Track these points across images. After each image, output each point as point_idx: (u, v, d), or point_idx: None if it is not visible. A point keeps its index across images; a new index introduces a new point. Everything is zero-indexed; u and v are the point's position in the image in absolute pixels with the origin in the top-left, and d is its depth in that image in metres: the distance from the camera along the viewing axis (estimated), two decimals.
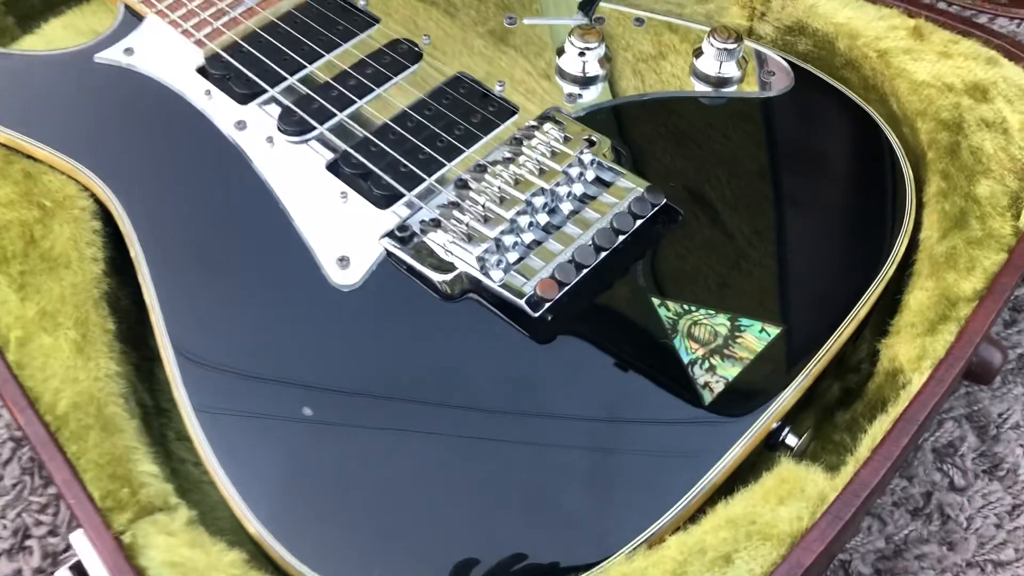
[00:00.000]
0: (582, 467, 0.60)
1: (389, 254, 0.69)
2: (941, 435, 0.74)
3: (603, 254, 0.68)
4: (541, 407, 0.62)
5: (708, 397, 0.62)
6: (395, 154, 0.73)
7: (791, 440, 0.65)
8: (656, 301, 0.67)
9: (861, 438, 0.61)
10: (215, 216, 0.72)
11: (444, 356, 0.64)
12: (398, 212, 0.71)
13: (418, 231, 0.69)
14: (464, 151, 0.74)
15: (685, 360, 0.64)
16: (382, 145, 0.74)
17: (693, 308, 0.66)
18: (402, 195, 0.71)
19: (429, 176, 0.72)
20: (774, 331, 0.65)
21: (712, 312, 0.66)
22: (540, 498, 0.59)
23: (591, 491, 0.59)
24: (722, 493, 0.60)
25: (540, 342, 0.65)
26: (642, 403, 0.62)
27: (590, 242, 0.68)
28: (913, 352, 0.64)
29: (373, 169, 0.72)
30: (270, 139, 0.75)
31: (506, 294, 0.65)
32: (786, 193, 0.74)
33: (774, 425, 0.64)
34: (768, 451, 0.66)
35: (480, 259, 0.66)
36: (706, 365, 0.64)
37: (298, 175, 0.73)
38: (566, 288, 0.66)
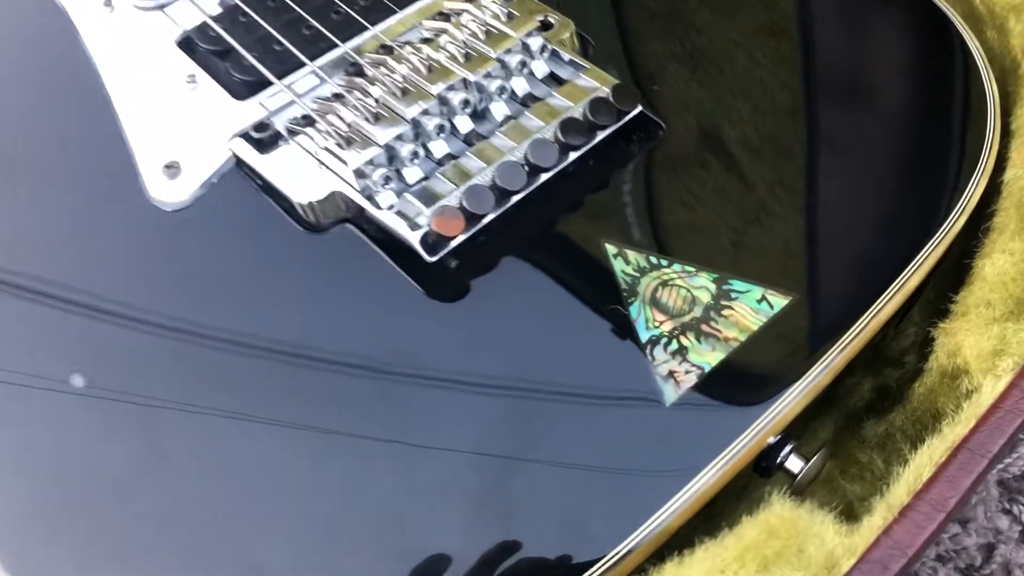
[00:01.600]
0: (467, 496, 0.39)
1: (239, 162, 0.48)
2: (1015, 462, 0.52)
3: (541, 178, 0.47)
4: (427, 399, 0.42)
5: (671, 395, 0.42)
6: (269, 27, 0.53)
7: (794, 464, 0.44)
8: (611, 249, 0.46)
9: (898, 469, 0.40)
10: (16, 99, 0.52)
11: (297, 313, 0.44)
12: (265, 104, 0.50)
13: (283, 132, 0.49)
14: (368, 28, 0.53)
15: (643, 337, 0.43)
16: (253, 15, 0.53)
17: (664, 262, 0.45)
18: (269, 82, 0.50)
19: (312, 59, 0.51)
20: (779, 302, 0.44)
21: (691, 269, 0.45)
22: (398, 531, 0.39)
23: (474, 535, 0.39)
24: (687, 540, 0.40)
25: (436, 300, 0.45)
26: (572, 401, 0.42)
27: (523, 160, 0.47)
28: (985, 344, 0.43)
29: (235, 46, 0.52)
30: (108, 1, 0.54)
31: (393, 227, 0.45)
32: (820, 114, 0.52)
33: (770, 441, 0.43)
34: (761, 477, 0.45)
35: (361, 173, 0.46)
36: (673, 346, 0.43)
37: (137, 52, 0.53)
38: (480, 223, 0.45)
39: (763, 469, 0.44)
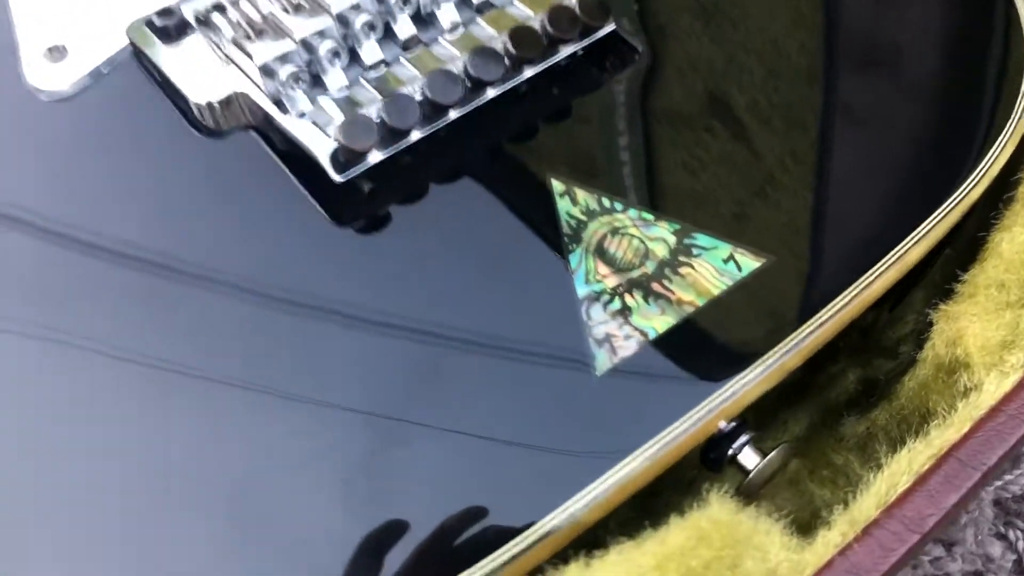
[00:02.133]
0: (347, 462, 0.33)
1: (136, 52, 0.41)
2: (1016, 480, 0.44)
3: (484, 95, 0.40)
4: (312, 340, 0.35)
5: (605, 362, 0.35)
6: None
7: (748, 458, 0.36)
8: (558, 186, 0.38)
9: (872, 475, 0.33)
10: None
11: (171, 226, 0.37)
12: None
13: (191, 20, 0.41)
14: None
15: (580, 292, 0.36)
16: None
17: (619, 206, 0.38)
18: None
19: None
20: (750, 264, 0.37)
21: (649, 217, 0.38)
22: (256, 499, 0.32)
23: (352, 510, 0.32)
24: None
25: (342, 227, 0.37)
26: (486, 360, 0.35)
27: (462, 71, 0.39)
28: (993, 334, 0.35)
29: None
30: None
31: (299, 137, 0.38)
32: (838, 73, 0.45)
33: (721, 427, 0.36)
34: (709, 470, 0.38)
35: (268, 71, 0.38)
36: (615, 305, 0.36)
37: None
38: (402, 141, 0.38)
39: (711, 461, 0.37)
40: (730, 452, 0.37)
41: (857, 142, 0.42)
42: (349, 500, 0.32)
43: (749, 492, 0.37)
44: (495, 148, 0.40)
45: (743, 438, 0.37)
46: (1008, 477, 0.44)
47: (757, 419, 0.41)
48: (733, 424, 0.37)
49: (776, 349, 0.35)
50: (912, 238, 0.37)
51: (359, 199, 0.38)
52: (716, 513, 0.32)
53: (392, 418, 0.33)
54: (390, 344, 0.35)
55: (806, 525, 0.34)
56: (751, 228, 0.38)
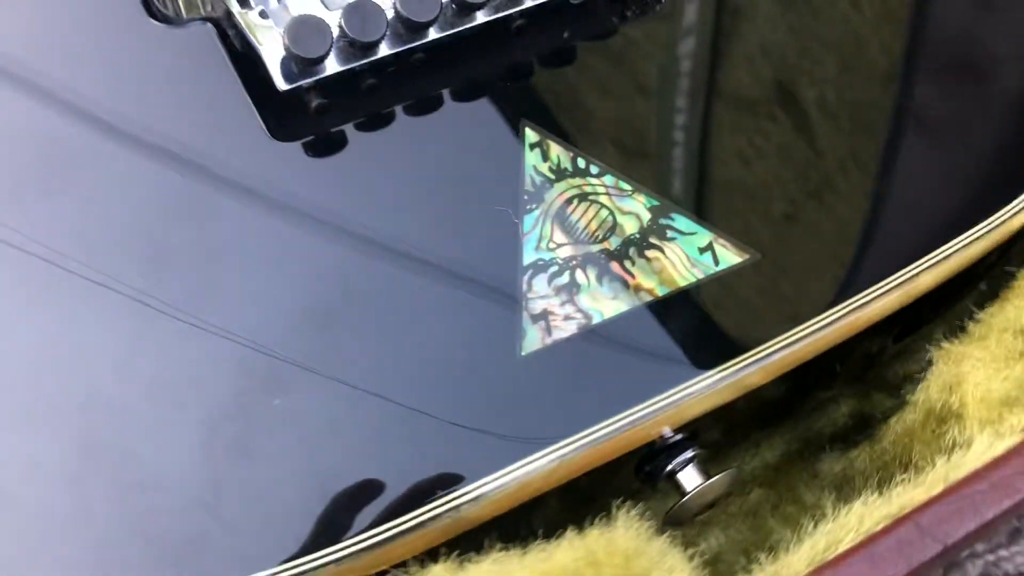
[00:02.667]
0: (225, 400, 0.29)
1: None
2: (1012, 557, 0.39)
3: (470, 19, 0.35)
4: (217, 262, 0.31)
5: (533, 341, 0.30)
6: None
7: (688, 478, 0.32)
8: (531, 135, 0.34)
9: (815, 523, 0.28)
10: None
11: (103, 110, 0.33)
12: None
13: None
14: None
15: (526, 258, 0.31)
16: None
17: (594, 170, 0.33)
18: None
19: None
20: (729, 259, 0.32)
21: (627, 188, 0.33)
22: (117, 439, 0.28)
23: (218, 461, 0.28)
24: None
25: (280, 141, 0.33)
26: (399, 317, 0.30)
27: None
28: (997, 386, 0.30)
29: None
30: None
31: (251, 35, 0.34)
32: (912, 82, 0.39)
33: (665, 437, 0.31)
34: (643, 484, 0.33)
35: None
36: (563, 280, 0.31)
37: None
38: (364, 58, 0.34)
39: (645, 474, 0.32)
40: (669, 467, 0.32)
41: (908, 151, 0.37)
42: (214, 441, 0.28)
43: (681, 517, 0.32)
44: (472, 82, 0.35)
45: (687, 454, 0.32)
46: (1003, 552, 0.38)
47: (726, 435, 0.36)
48: (679, 437, 0.32)
49: (736, 361, 0.30)
50: (920, 264, 0.32)
51: (304, 113, 0.34)
52: (618, 537, 0.27)
53: (279, 357, 0.29)
54: (298, 272, 0.31)
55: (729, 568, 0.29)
56: (744, 219, 0.33)
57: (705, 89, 0.37)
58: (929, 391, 0.32)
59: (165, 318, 0.30)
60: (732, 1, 0.41)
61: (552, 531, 0.29)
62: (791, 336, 0.31)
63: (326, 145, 0.33)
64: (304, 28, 0.32)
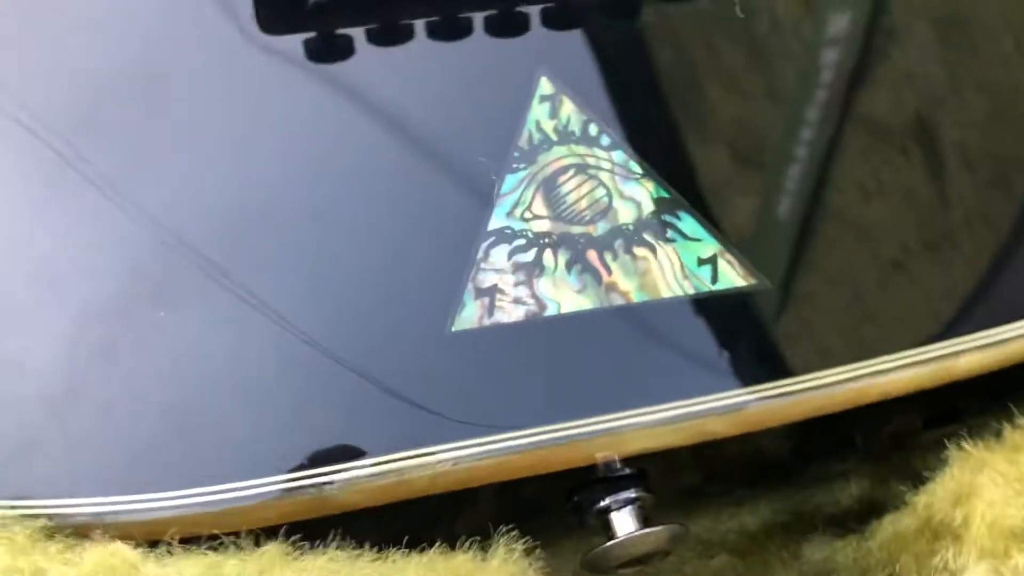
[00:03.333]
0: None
1: None
2: None
3: None
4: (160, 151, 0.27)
5: (470, 319, 0.26)
6: None
7: (622, 521, 0.26)
8: (545, 86, 0.29)
9: None
10: None
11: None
12: None
13: None
14: None
15: (491, 223, 0.27)
16: None
17: (606, 141, 0.28)
18: None
19: None
20: (732, 280, 0.26)
21: (637, 170, 0.28)
22: None
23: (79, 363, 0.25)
24: None
25: (265, 35, 0.29)
26: (334, 259, 0.26)
27: None
28: (1013, 513, 0.24)
29: None
30: None
31: None
32: None
33: (606, 467, 0.26)
34: (571, 515, 0.28)
35: None
36: (527, 257, 0.26)
37: None
38: None
39: (575, 506, 0.27)
40: (601, 504, 0.27)
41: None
42: (84, 337, 0.25)
43: (600, 565, 0.27)
44: (506, 9, 0.30)
45: (628, 493, 0.27)
46: None
47: (706, 481, 0.31)
48: (624, 471, 0.27)
49: (699, 401, 0.25)
50: (957, 344, 0.26)
51: (301, 7, 0.30)
52: (460, 564, 0.22)
53: (182, 264, 0.26)
54: (236, 177, 0.27)
55: None
56: (768, 242, 0.28)
57: (823, 95, 0.31)
58: (935, 496, 0.25)
59: (84, 188, 0.26)
60: (887, 20, 0.35)
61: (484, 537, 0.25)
62: (772, 391, 0.25)
63: (313, 47, 0.29)
64: None
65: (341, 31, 0.29)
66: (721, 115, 0.30)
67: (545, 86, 0.29)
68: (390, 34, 0.29)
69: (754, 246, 0.27)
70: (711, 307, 0.26)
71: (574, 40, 0.30)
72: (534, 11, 0.30)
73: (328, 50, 0.29)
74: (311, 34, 0.29)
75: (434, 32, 0.30)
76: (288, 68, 0.29)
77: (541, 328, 0.26)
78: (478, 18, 0.30)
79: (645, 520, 0.27)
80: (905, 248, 0.28)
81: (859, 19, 0.34)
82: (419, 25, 0.30)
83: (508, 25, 0.30)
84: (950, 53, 0.34)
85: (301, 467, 0.24)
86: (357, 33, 0.29)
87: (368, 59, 0.29)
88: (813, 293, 0.27)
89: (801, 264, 0.27)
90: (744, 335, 0.26)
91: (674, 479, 0.30)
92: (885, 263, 0.28)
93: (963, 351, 0.26)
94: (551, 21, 0.30)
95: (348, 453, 0.24)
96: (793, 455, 0.32)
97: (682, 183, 0.28)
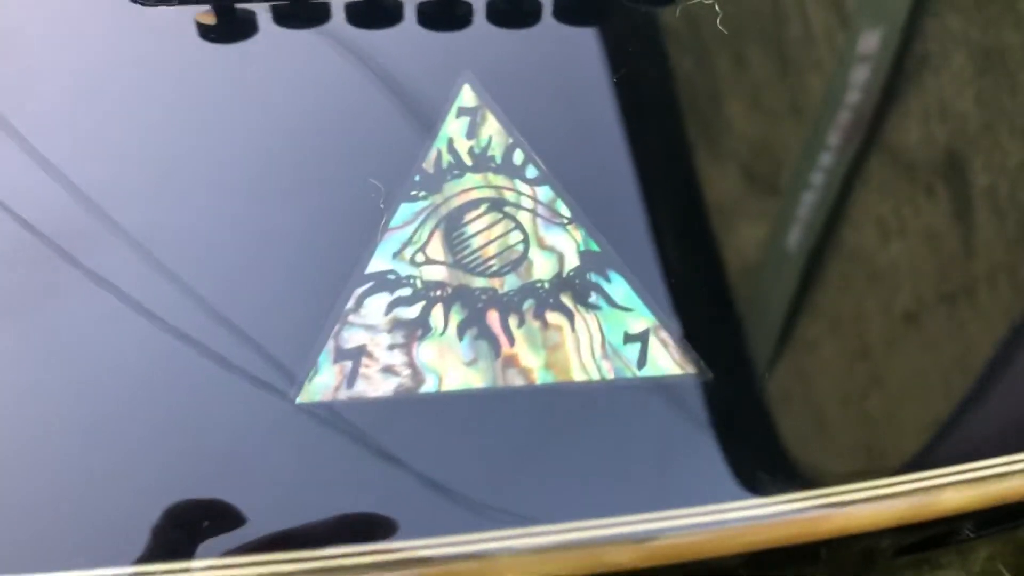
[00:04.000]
0: None
1: None
2: None
3: None
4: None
5: (323, 389, 0.20)
6: None
7: None
8: (466, 97, 0.23)
9: None
10: None
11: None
12: None
13: None
14: None
15: (374, 263, 0.21)
16: None
17: (532, 173, 0.23)
18: None
19: None
20: (667, 366, 0.21)
21: (565, 214, 0.22)
22: None
23: None
24: None
25: (142, 5, 0.24)
26: (173, 282, 0.21)
27: None
28: None
29: None
30: None
31: None
32: None
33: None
34: None
35: None
36: (411, 312, 0.21)
37: None
38: None
39: None
40: None
41: None
42: None
43: None
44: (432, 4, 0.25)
45: None
46: None
47: None
48: None
49: (599, 524, 0.19)
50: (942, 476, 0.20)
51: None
52: None
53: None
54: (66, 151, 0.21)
55: None
56: (716, 326, 0.22)
57: (840, 117, 0.25)
58: None
59: None
60: (921, 46, 0.29)
61: None
62: (698, 516, 0.19)
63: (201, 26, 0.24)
64: None
65: (243, 6, 0.24)
66: (684, 146, 0.24)
67: (467, 96, 0.23)
68: (302, 14, 0.24)
69: (700, 321, 0.21)
70: (632, 400, 0.21)
71: (513, 39, 0.25)
72: (479, 3, 0.25)
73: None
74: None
75: (355, 15, 0.24)
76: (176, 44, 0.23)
77: (412, 408, 0.20)
78: (411, 4, 0.24)
79: None
80: (916, 306, 0.23)
81: (891, 40, 0.28)
82: (336, 5, 0.24)
83: (445, 16, 0.24)
84: (987, 89, 0.29)
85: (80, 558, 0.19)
86: (262, 10, 0.24)
87: (271, 40, 0.24)
88: (770, 390, 0.21)
89: (761, 349, 0.22)
90: (670, 441, 0.20)
91: None
92: (874, 350, 0.22)
93: (948, 484, 0.20)
94: (497, 16, 0.25)
95: (135, 550, 0.19)
96: (746, 567, 0.26)
97: (618, 233, 0.22)
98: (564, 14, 0.25)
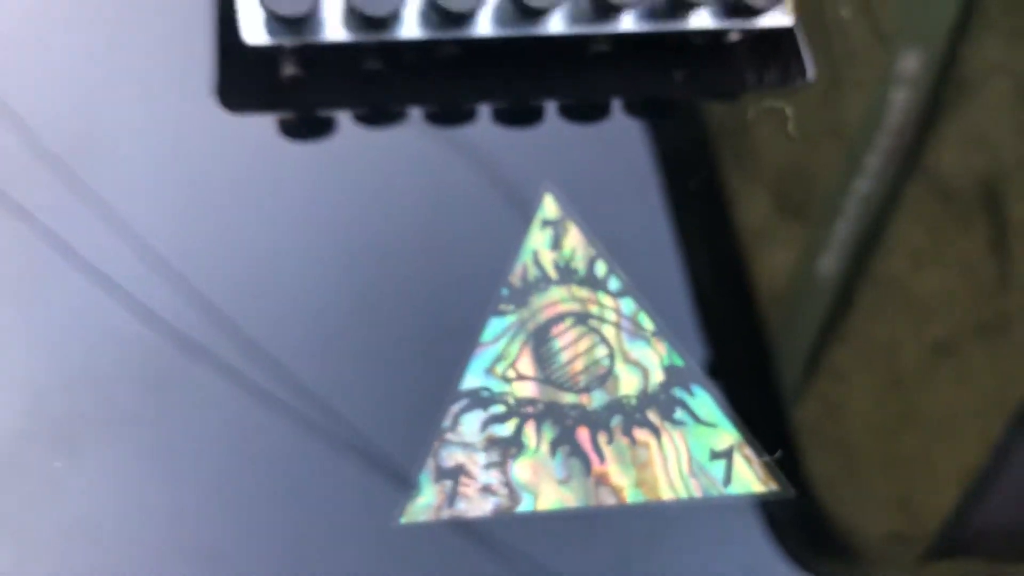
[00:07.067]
0: None
1: None
2: None
3: (534, 25, 0.25)
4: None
5: (426, 508, 0.21)
6: None
7: None
8: (549, 210, 0.24)
9: None
10: None
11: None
12: None
13: None
14: None
15: (467, 381, 0.22)
16: None
17: (615, 285, 0.23)
18: None
19: None
20: (751, 483, 0.22)
21: (648, 327, 0.23)
22: None
23: None
24: None
25: (226, 109, 0.25)
26: (256, 403, 0.22)
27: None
28: None
29: None
30: None
31: None
32: None
33: None
34: None
35: None
36: (504, 429, 0.22)
37: None
38: (368, 34, 0.24)
39: None
40: None
41: None
42: None
43: None
44: (504, 109, 0.25)
45: None
46: None
47: None
48: None
49: None
50: None
51: (269, 85, 0.25)
52: None
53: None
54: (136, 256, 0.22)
55: None
56: (818, 446, 0.23)
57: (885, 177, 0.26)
58: None
59: None
60: (961, 71, 0.30)
61: None
62: None
63: (281, 126, 0.24)
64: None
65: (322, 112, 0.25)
66: (766, 260, 0.25)
67: (549, 208, 0.24)
68: (379, 117, 0.25)
69: (780, 438, 0.22)
70: (719, 518, 0.21)
71: (594, 146, 0.25)
72: (551, 104, 0.25)
73: (300, 128, 0.25)
74: (282, 109, 0.25)
75: (434, 123, 0.25)
76: (246, 144, 0.24)
77: (509, 528, 0.21)
78: (479, 112, 0.25)
79: None
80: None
81: (931, 64, 0.29)
82: (414, 114, 0.25)
83: (508, 120, 0.25)
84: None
85: None
86: (341, 113, 0.25)
87: (348, 143, 0.25)
88: (851, 501, 0.22)
89: (839, 467, 0.23)
90: (756, 561, 0.21)
91: None
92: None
93: None
94: (563, 120, 0.25)
95: None
96: None
97: (703, 348, 0.23)
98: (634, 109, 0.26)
